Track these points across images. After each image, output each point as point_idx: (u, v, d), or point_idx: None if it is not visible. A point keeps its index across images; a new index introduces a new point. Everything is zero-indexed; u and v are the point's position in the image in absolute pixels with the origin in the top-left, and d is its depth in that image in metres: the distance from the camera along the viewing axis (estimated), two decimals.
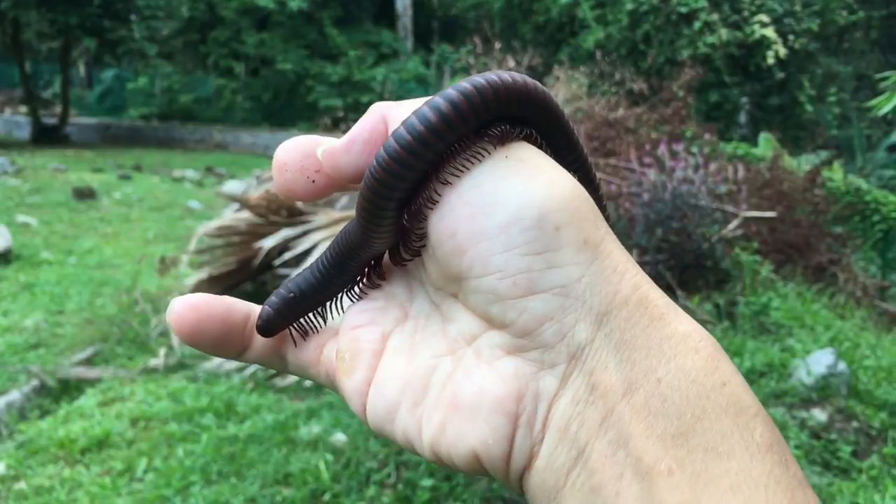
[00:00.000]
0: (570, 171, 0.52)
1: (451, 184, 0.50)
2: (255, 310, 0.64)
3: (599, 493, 0.40)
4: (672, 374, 0.40)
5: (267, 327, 0.61)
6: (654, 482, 0.37)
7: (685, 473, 0.37)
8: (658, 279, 7.08)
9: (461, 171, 0.50)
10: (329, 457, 4.59)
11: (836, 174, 12.13)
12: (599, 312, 0.44)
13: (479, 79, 0.51)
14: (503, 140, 0.51)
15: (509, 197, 0.47)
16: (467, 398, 0.48)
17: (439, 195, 0.51)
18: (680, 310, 0.44)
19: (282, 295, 0.63)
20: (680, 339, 0.41)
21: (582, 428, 0.42)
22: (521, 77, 0.52)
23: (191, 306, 0.62)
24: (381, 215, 0.53)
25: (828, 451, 5.02)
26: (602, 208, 0.54)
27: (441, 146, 0.50)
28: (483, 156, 0.50)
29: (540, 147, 0.54)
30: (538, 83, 0.54)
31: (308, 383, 5.70)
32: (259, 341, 0.63)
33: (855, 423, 5.32)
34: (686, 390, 0.39)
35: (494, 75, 0.51)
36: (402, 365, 0.54)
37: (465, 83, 0.51)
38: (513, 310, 0.47)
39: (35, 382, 5.82)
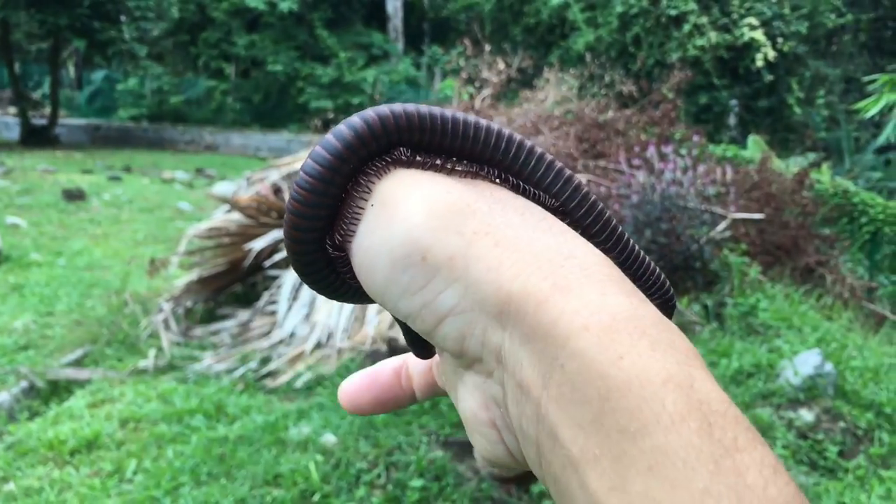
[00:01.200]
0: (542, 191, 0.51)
1: (344, 250, 0.51)
2: (399, 359, 0.64)
3: (557, 485, 0.40)
4: (569, 358, 0.38)
5: (425, 348, 0.59)
6: (584, 471, 0.36)
7: (608, 459, 0.36)
8: None
9: (348, 235, 0.50)
10: (319, 457, 4.59)
11: (825, 176, 12.21)
12: (495, 314, 0.43)
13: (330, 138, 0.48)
14: (371, 184, 0.49)
15: (380, 250, 0.47)
16: (465, 416, 0.50)
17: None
18: (574, 286, 0.41)
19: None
20: (568, 319, 0.40)
21: (529, 425, 0.41)
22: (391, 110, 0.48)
23: (362, 389, 0.63)
24: (316, 278, 0.53)
25: (815, 451, 5.06)
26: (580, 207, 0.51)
27: (319, 216, 0.49)
28: (358, 215, 0.49)
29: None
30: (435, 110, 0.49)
31: (298, 384, 5.70)
32: (418, 380, 0.63)
33: (842, 424, 5.37)
34: (586, 372, 0.37)
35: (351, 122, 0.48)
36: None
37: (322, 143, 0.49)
38: (438, 339, 0.47)
39: (24, 384, 5.81)
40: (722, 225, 7.51)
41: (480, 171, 0.50)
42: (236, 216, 7.16)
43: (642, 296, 0.44)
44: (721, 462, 0.34)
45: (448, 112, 0.49)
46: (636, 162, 7.72)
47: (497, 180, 0.51)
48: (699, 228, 7.32)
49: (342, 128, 0.48)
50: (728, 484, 0.34)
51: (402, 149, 0.49)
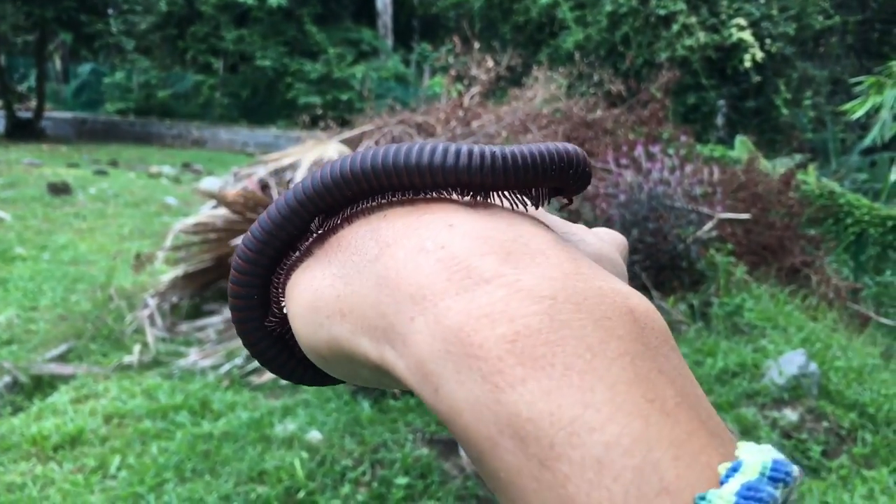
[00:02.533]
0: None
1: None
2: None
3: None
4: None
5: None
6: None
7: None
8: (634, 280, 7.13)
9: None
10: (304, 454, 4.58)
11: (811, 177, 12.28)
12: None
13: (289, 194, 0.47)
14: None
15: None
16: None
17: None
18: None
19: None
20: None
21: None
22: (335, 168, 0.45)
23: None
24: None
25: (798, 450, 5.09)
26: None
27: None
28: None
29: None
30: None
31: (284, 381, 5.67)
32: None
33: (825, 423, 5.40)
34: None
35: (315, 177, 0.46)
36: None
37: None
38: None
39: (7, 378, 5.76)
40: (708, 225, 7.53)
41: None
42: (223, 212, 7.13)
43: None
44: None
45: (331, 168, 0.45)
46: (624, 161, 7.74)
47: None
48: (686, 228, 7.35)
49: (261, 218, 0.47)
50: None
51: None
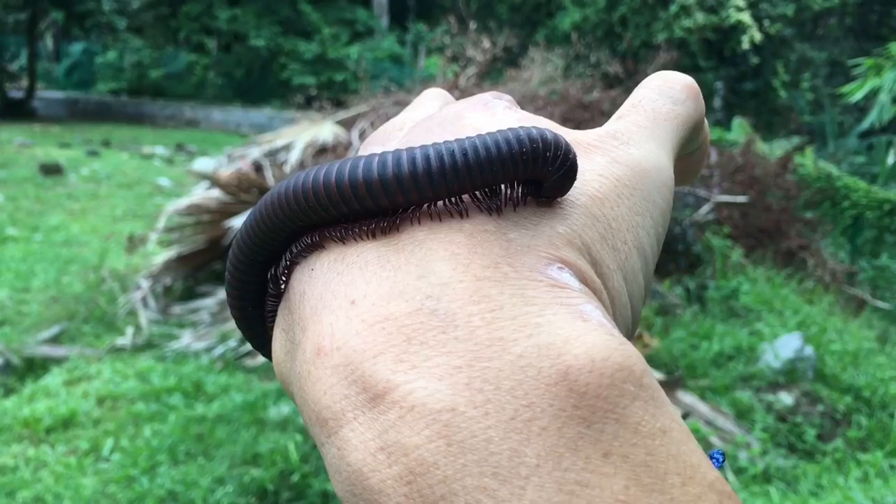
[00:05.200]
0: None
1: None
2: None
3: None
4: None
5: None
6: None
7: None
8: None
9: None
10: (298, 437, 4.56)
11: (808, 160, 12.24)
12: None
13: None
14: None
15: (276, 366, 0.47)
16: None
17: None
18: None
19: None
20: None
21: None
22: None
23: None
24: None
25: (794, 434, 5.09)
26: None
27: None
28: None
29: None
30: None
31: None
32: None
33: (820, 407, 5.40)
34: None
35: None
36: None
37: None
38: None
39: (0, 360, 5.72)
40: (706, 208, 7.51)
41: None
42: (216, 193, 7.07)
43: None
44: None
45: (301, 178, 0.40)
46: None
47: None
48: (682, 211, 7.31)
49: (245, 222, 0.43)
50: None
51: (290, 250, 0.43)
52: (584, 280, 0.38)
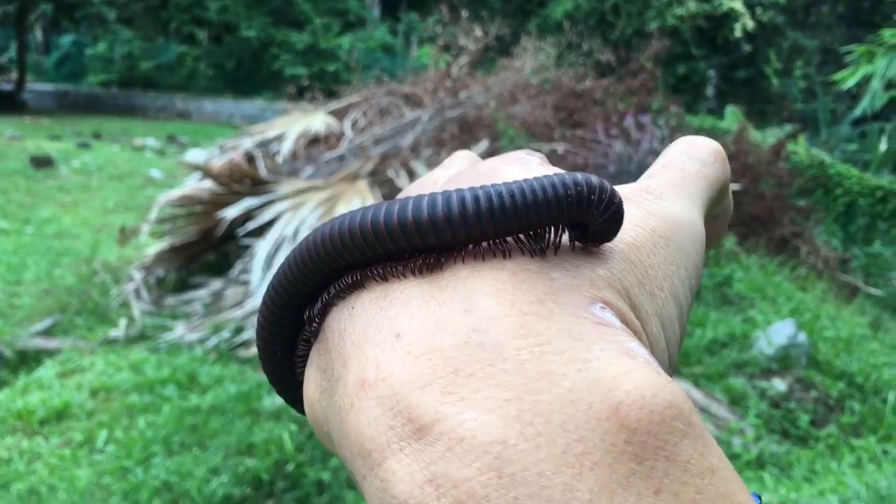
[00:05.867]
0: None
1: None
2: None
3: None
4: None
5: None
6: None
7: None
8: None
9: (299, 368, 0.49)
10: (293, 427, 4.56)
11: (801, 148, 12.26)
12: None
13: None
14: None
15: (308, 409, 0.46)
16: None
17: None
18: None
19: None
20: None
21: None
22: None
23: None
24: None
25: (787, 420, 5.11)
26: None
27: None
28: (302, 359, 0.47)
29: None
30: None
31: None
32: None
33: (814, 393, 5.42)
34: None
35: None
36: None
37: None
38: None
39: None
40: None
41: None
42: (208, 184, 7.05)
43: None
44: None
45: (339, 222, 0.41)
46: (613, 132, 7.68)
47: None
48: None
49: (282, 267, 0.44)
50: None
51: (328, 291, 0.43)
52: (625, 322, 0.38)
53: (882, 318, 7.62)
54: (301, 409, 0.47)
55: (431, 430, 0.32)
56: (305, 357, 0.45)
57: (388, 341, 0.36)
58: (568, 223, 0.40)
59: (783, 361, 5.61)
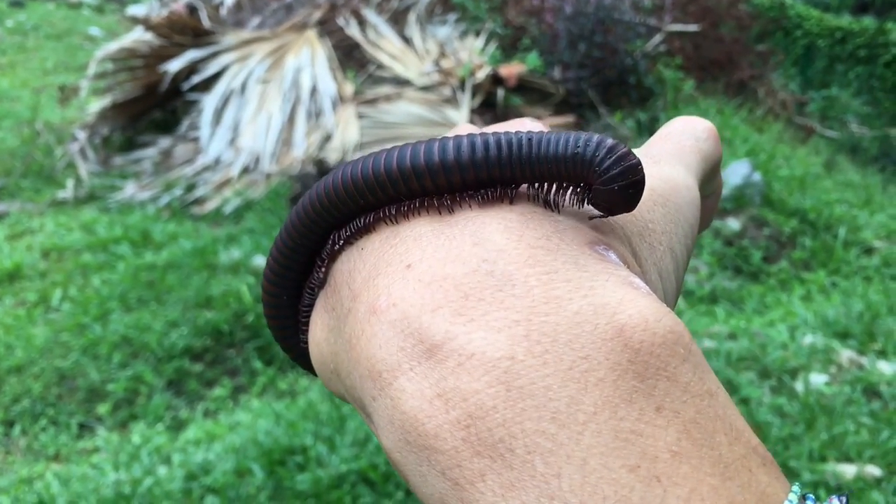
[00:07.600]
0: None
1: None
2: None
3: None
4: None
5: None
6: None
7: None
8: (581, 96, 7.00)
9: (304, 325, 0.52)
10: (251, 279, 4.55)
11: None
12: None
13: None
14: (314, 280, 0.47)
15: (313, 352, 0.49)
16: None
17: None
18: None
19: None
20: None
21: None
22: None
23: None
24: None
25: (740, 257, 5.22)
26: None
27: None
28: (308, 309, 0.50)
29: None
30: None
31: (227, 210, 5.56)
32: None
33: (767, 231, 5.52)
34: None
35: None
36: None
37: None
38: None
39: None
40: (657, 38, 7.35)
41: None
42: (149, 37, 6.72)
43: None
44: None
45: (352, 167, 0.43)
46: None
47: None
48: (634, 42, 7.15)
49: (293, 213, 0.46)
50: None
51: (336, 234, 0.44)
52: (626, 265, 0.40)
53: (836, 159, 7.71)
54: (295, 357, 0.51)
55: (442, 348, 0.33)
56: (310, 307, 0.46)
57: (400, 272, 0.38)
58: (574, 178, 0.41)
59: (738, 201, 5.67)
